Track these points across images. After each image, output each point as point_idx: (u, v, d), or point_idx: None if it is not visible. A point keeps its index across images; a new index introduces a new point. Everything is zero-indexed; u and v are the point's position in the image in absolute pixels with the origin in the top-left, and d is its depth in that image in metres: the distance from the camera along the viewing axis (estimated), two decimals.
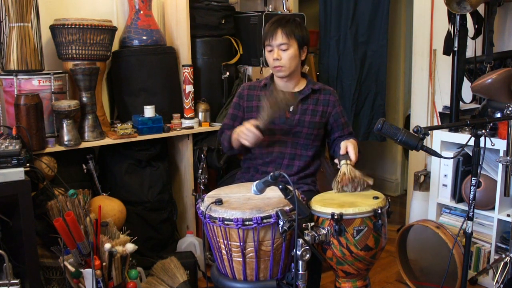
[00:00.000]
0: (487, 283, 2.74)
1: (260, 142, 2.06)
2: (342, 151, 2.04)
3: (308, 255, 1.57)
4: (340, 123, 2.27)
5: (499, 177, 2.62)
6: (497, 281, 2.51)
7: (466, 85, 2.90)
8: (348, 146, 2.04)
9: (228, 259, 1.73)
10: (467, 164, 2.80)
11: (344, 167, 1.97)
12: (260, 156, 2.24)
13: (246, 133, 2.02)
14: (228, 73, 3.13)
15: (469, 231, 1.97)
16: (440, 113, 3.23)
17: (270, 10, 3.27)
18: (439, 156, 1.81)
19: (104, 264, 2.07)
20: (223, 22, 3.12)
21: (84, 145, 2.59)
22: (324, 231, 1.72)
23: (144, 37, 2.86)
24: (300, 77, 2.29)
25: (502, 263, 2.50)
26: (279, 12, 3.26)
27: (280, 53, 2.16)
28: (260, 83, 2.32)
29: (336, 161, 2.06)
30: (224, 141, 2.27)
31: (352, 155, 2.01)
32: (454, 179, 2.90)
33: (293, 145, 2.22)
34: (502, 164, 2.55)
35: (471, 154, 2.04)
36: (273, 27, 2.18)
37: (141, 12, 2.87)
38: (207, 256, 2.93)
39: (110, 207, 2.50)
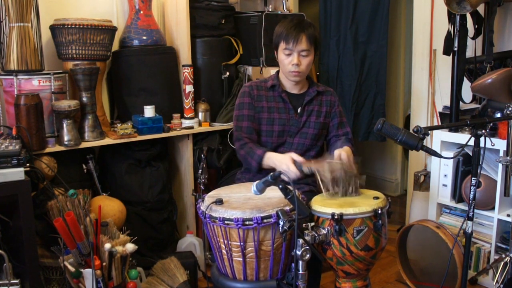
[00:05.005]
0: (487, 283, 2.74)
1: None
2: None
3: (308, 255, 1.57)
4: (334, 123, 2.28)
5: (499, 177, 2.62)
6: (497, 281, 2.51)
7: (466, 85, 2.90)
8: (342, 155, 1.99)
9: (228, 259, 1.73)
10: (467, 164, 2.80)
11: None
12: None
13: (287, 171, 1.94)
14: (228, 73, 3.12)
15: (469, 231, 1.97)
16: (440, 113, 3.22)
17: (270, 10, 3.26)
18: (439, 156, 1.81)
19: (104, 264, 2.07)
20: (223, 22, 3.11)
21: (84, 145, 2.59)
22: (324, 231, 1.72)
23: (144, 37, 2.86)
24: (305, 79, 2.30)
25: (502, 263, 2.50)
26: (279, 12, 3.25)
27: (301, 59, 2.12)
28: (266, 83, 2.27)
29: None
30: (252, 160, 2.13)
31: (345, 162, 1.96)
32: (454, 179, 2.90)
33: (299, 146, 2.22)
34: (502, 164, 2.55)
35: (471, 154, 2.04)
36: (297, 31, 2.09)
37: (141, 12, 2.87)
38: (207, 256, 2.93)
39: (110, 207, 2.51)
